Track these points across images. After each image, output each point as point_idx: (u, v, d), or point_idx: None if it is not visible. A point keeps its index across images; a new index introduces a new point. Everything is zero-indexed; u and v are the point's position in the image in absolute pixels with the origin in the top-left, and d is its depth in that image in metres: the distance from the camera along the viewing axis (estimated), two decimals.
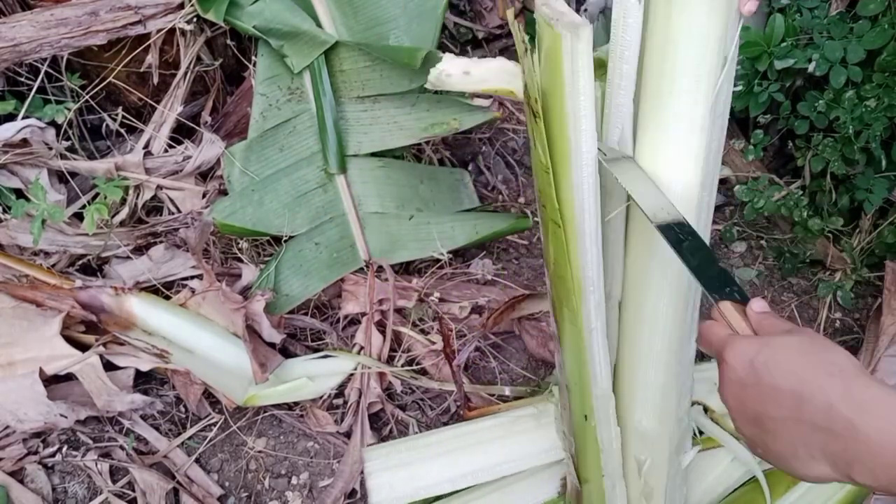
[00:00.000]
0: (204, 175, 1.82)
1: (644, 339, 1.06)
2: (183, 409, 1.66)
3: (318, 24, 1.73)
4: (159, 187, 1.78)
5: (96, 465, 1.56)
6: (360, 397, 1.62)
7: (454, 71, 1.07)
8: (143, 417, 1.63)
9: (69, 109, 1.69)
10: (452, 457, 1.40)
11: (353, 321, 1.76)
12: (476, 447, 1.41)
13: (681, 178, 0.92)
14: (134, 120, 1.81)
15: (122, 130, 1.80)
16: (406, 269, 1.84)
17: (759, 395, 0.67)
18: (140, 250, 1.77)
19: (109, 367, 1.57)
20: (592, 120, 0.89)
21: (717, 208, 2.04)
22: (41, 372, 1.51)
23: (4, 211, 1.67)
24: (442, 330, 1.61)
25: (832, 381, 0.63)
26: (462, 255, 1.90)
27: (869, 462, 0.60)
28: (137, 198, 1.77)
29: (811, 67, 1.67)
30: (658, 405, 1.11)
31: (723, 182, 1.99)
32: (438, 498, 1.41)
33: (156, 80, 1.76)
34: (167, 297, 1.68)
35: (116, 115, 1.78)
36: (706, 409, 1.38)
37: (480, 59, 1.08)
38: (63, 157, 1.71)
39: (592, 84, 0.87)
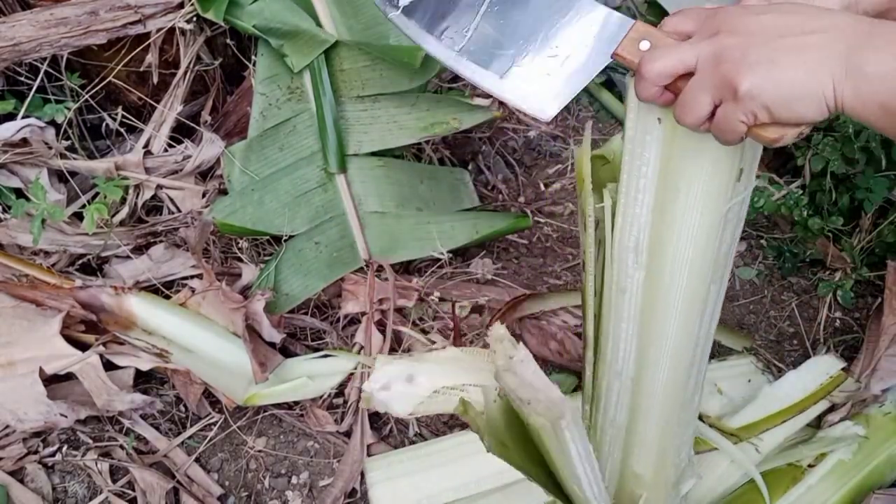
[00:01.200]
0: (204, 174, 1.82)
1: (642, 406, 1.04)
2: (183, 409, 1.66)
3: (318, 24, 1.72)
4: (159, 187, 1.78)
5: (96, 464, 1.56)
6: (360, 397, 1.62)
7: (392, 380, 0.76)
8: (143, 417, 1.63)
9: (69, 109, 1.69)
10: (455, 465, 1.39)
11: (353, 321, 1.76)
12: (479, 455, 1.36)
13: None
14: (134, 119, 1.81)
15: (122, 130, 1.80)
16: (406, 268, 1.84)
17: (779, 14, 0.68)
18: (140, 250, 1.76)
19: (109, 366, 1.57)
20: (596, 471, 0.79)
21: None
22: (41, 371, 1.51)
23: (4, 210, 1.67)
24: (454, 319, 1.58)
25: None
26: (462, 254, 1.90)
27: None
28: (137, 197, 1.78)
29: None
30: (654, 459, 1.09)
31: None
32: None
33: (156, 79, 1.76)
34: (167, 297, 1.68)
35: (116, 114, 1.78)
36: (702, 417, 1.37)
37: (429, 352, 0.75)
38: (63, 156, 1.71)
39: (590, 452, 0.75)
